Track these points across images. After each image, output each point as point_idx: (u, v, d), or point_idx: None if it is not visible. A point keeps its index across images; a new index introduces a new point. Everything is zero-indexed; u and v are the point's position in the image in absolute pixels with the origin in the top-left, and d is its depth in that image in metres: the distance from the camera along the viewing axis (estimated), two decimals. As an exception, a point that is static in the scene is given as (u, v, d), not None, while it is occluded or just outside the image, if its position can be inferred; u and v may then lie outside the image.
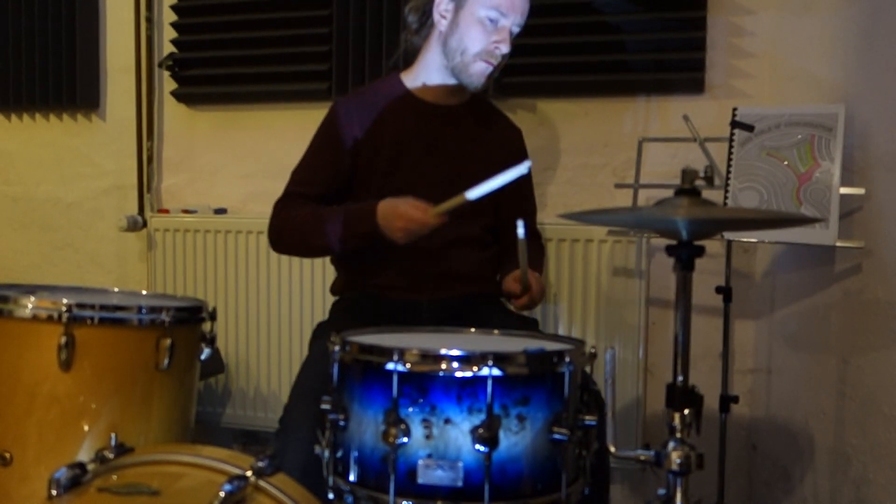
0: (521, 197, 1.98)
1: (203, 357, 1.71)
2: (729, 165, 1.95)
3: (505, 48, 1.79)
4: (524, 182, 2.02)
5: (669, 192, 1.25)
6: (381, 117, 1.85)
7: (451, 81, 1.85)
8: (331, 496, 1.27)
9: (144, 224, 2.72)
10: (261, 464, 1.17)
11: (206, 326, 1.71)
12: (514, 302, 1.77)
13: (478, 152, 1.90)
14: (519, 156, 2.00)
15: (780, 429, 2.19)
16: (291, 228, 1.82)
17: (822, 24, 2.09)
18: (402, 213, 1.65)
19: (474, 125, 1.93)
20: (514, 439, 1.20)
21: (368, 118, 1.84)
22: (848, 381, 1.89)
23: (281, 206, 1.86)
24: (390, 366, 1.19)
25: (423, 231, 1.65)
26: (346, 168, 1.85)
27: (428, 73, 1.88)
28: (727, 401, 2.02)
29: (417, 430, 1.19)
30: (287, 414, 1.59)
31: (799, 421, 2.11)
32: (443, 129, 1.88)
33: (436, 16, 1.84)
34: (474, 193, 1.56)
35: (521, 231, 1.55)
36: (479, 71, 1.80)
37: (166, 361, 1.56)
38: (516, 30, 1.81)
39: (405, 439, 1.18)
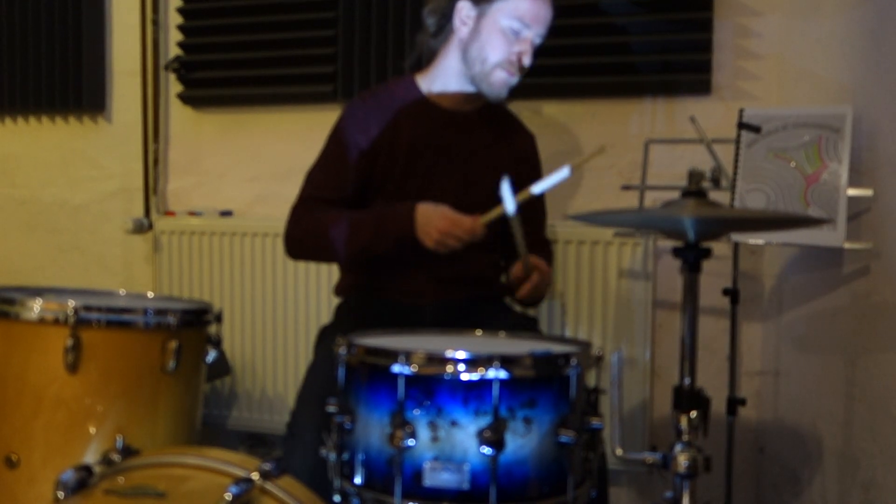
0: (530, 202, 1.97)
1: (209, 359, 1.72)
2: (736, 167, 1.94)
3: (527, 60, 1.77)
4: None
5: (676, 194, 1.25)
6: (396, 121, 1.83)
7: (470, 89, 1.84)
8: (337, 499, 1.27)
9: (151, 226, 2.72)
10: (267, 466, 1.17)
11: (213, 329, 1.71)
12: (518, 293, 1.75)
13: (491, 160, 1.89)
14: (531, 162, 1.99)
15: (788, 431, 2.18)
16: (316, 234, 1.77)
17: (829, 26, 2.08)
18: (448, 216, 1.65)
19: (488, 132, 1.91)
20: (521, 442, 1.19)
21: (383, 121, 1.82)
22: (856, 384, 1.88)
23: (301, 212, 1.80)
24: (396, 368, 1.19)
25: (464, 237, 1.65)
26: (364, 170, 1.82)
27: (445, 78, 1.85)
28: (734, 403, 2.02)
29: (424, 433, 1.19)
30: (294, 420, 1.59)
31: (807, 424, 2.10)
32: (457, 136, 1.87)
33: (456, 22, 1.81)
34: (511, 206, 1.57)
35: (509, 204, 1.55)
36: (499, 81, 1.79)
37: (172, 364, 1.56)
38: (538, 41, 1.79)
39: (411, 442, 1.18)
